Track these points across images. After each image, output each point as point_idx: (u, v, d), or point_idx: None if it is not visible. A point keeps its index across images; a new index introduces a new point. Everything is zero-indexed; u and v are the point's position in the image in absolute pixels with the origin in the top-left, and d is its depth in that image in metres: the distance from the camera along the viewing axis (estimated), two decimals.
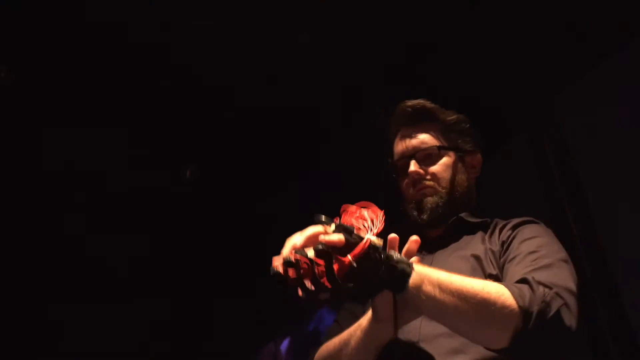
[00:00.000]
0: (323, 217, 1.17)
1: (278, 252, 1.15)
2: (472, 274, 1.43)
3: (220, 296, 3.65)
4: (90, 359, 3.40)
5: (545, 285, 1.24)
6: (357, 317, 1.48)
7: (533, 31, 2.41)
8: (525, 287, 1.23)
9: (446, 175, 1.67)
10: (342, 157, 3.07)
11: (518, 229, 1.51)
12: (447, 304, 1.19)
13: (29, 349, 3.43)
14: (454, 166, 1.69)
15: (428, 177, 1.68)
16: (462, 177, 1.69)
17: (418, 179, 1.68)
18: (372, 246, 1.11)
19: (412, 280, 1.17)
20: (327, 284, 1.10)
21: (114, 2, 2.46)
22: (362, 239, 1.11)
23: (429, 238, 1.64)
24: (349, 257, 1.08)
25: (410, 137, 1.71)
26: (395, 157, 1.75)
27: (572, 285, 1.30)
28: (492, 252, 1.49)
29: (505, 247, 1.47)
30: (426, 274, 1.19)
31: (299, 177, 3.18)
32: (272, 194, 3.30)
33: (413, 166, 1.68)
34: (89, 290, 3.51)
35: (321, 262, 1.09)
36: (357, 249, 1.09)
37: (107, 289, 3.55)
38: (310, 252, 1.10)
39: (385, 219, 1.15)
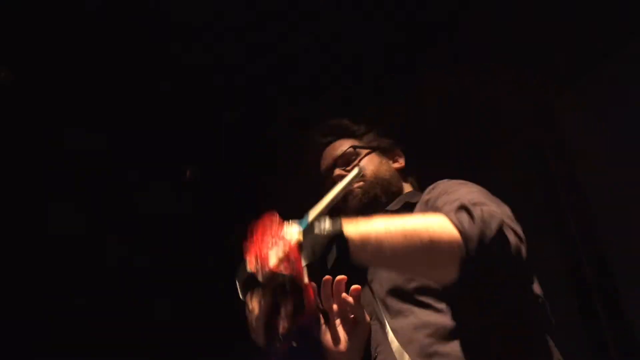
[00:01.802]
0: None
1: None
2: None
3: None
4: None
5: (482, 205, 1.20)
6: None
7: (532, 31, 2.41)
8: (463, 214, 1.17)
9: (367, 167, 1.72)
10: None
11: (438, 182, 1.50)
12: (393, 256, 1.14)
13: None
14: (372, 159, 1.76)
15: None
16: (384, 166, 1.76)
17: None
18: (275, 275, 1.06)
19: (352, 250, 1.10)
20: None
21: (115, 1, 2.46)
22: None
23: None
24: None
25: (329, 152, 1.81)
26: (322, 175, 1.82)
27: (509, 211, 1.26)
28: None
29: (432, 202, 1.42)
30: (364, 237, 1.12)
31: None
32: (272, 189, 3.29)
33: (336, 171, 1.75)
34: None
35: None
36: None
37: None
38: None
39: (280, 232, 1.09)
